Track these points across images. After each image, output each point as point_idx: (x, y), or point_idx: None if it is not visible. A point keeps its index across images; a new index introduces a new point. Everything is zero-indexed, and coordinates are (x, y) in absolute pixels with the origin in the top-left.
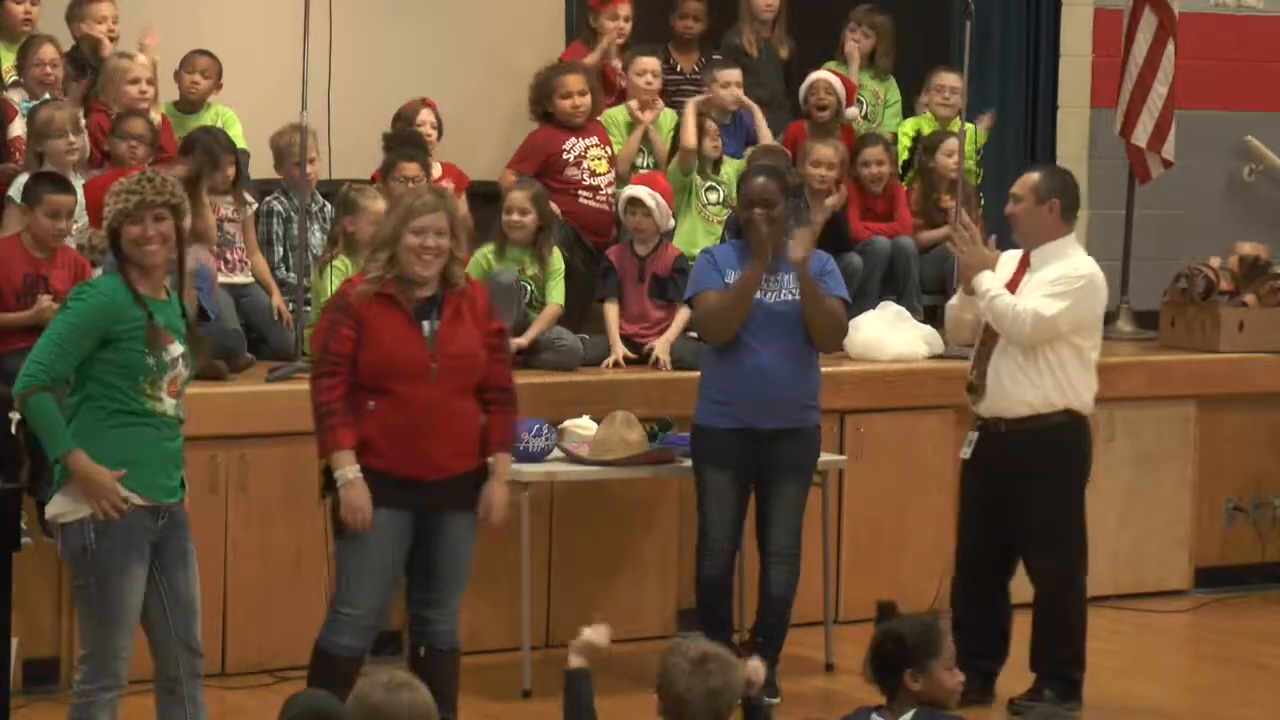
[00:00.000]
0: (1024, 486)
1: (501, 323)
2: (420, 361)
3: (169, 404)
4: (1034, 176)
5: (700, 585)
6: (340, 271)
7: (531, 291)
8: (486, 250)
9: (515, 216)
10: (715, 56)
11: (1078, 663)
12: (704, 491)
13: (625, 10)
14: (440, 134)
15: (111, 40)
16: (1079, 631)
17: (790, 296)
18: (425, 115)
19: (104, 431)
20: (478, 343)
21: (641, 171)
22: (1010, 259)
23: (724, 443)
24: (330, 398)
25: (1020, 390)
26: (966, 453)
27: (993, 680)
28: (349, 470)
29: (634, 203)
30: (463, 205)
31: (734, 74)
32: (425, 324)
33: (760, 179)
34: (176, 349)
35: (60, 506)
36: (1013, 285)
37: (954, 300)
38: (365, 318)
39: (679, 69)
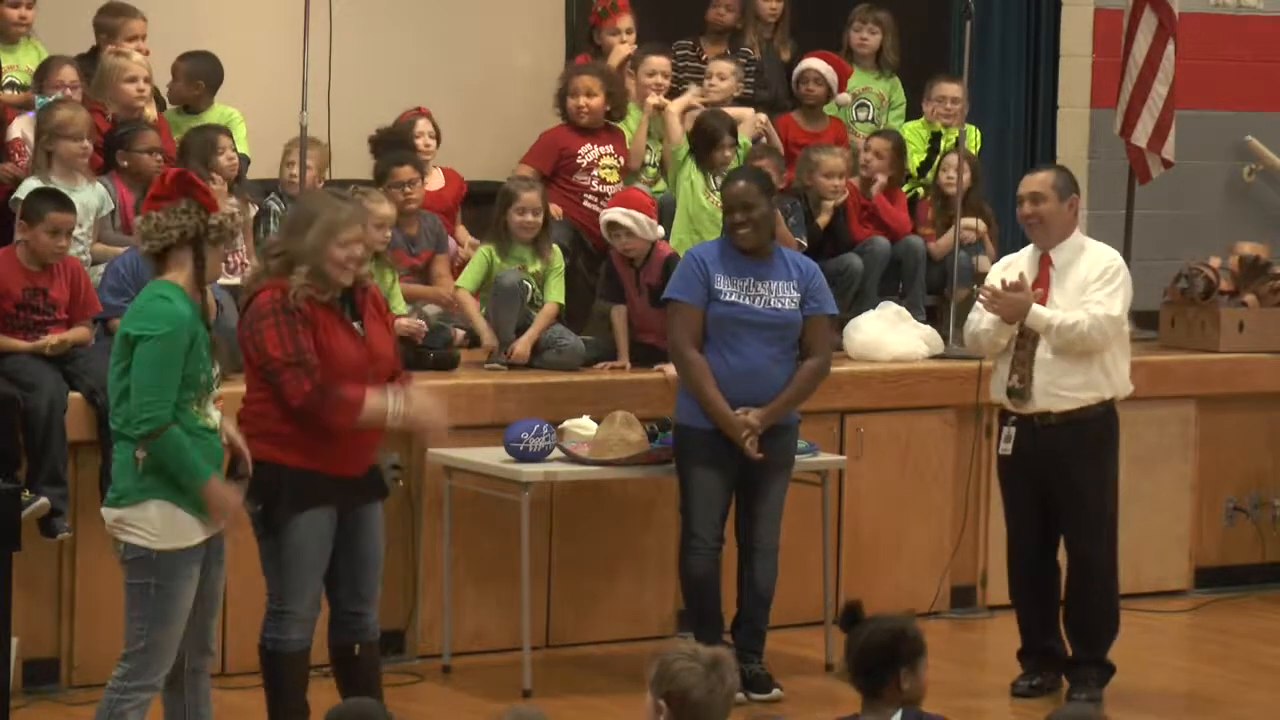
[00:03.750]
0: (1074, 476)
1: (394, 314)
2: (362, 364)
3: (215, 417)
4: (1048, 175)
5: (689, 584)
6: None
7: (533, 290)
8: (488, 249)
9: (529, 217)
10: (743, 48)
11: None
12: (690, 490)
13: (627, 23)
14: (438, 142)
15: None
16: (1118, 616)
17: (781, 306)
18: (423, 125)
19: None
20: (391, 344)
21: (645, 167)
22: (1021, 262)
23: (709, 442)
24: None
25: (1074, 389)
26: (1006, 449)
27: (1059, 669)
28: (397, 399)
29: (613, 227)
30: (457, 209)
31: (727, 66)
32: (357, 326)
33: (740, 183)
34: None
35: (128, 515)
36: (1043, 285)
37: (985, 326)
38: (314, 321)
39: (705, 59)
